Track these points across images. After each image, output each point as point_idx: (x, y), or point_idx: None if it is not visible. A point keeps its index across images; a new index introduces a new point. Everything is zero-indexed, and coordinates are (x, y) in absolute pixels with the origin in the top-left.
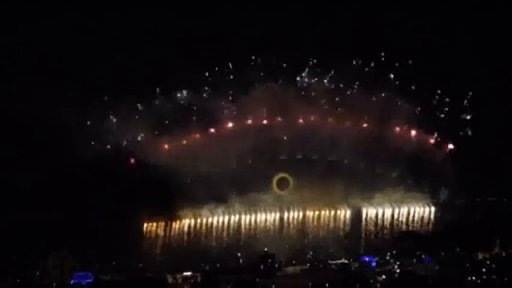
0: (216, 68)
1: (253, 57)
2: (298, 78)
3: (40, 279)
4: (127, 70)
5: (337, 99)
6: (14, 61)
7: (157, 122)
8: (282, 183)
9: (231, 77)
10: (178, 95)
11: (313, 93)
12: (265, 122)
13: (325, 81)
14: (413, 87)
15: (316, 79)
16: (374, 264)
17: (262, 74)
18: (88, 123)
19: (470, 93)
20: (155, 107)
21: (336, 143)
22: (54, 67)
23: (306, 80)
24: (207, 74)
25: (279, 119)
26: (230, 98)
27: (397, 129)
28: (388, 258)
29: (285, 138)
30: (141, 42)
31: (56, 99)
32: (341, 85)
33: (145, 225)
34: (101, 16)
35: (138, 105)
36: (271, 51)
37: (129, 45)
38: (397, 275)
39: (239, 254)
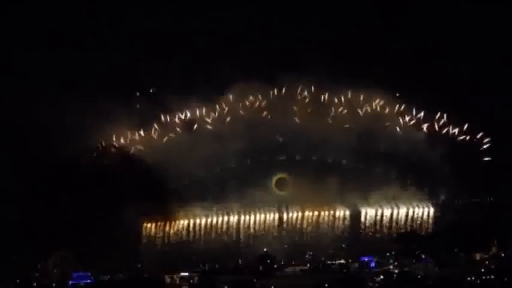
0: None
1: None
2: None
3: (40, 279)
4: (108, 68)
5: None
6: None
7: (145, 120)
8: (281, 184)
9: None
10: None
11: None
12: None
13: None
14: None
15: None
16: (373, 264)
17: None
18: (72, 121)
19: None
20: (144, 106)
21: (332, 142)
22: (34, 66)
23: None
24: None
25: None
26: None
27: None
28: (387, 258)
29: (281, 138)
30: (116, 41)
31: (42, 99)
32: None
33: (143, 225)
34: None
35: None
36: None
37: (105, 45)
38: (396, 276)
39: (238, 255)
